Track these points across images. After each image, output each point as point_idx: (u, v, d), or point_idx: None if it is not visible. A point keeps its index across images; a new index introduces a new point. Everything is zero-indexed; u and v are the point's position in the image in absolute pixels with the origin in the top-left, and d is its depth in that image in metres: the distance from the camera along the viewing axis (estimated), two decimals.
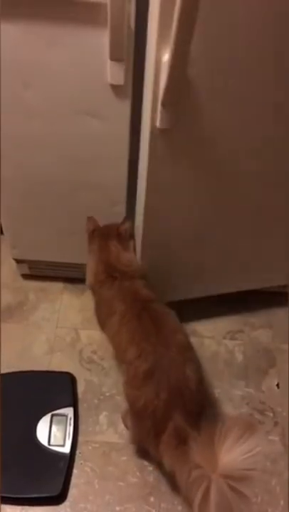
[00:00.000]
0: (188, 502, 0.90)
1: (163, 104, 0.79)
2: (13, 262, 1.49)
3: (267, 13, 0.72)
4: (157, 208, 1.04)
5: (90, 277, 1.20)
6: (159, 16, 0.69)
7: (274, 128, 0.94)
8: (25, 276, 1.55)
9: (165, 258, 1.21)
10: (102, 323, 1.18)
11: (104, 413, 1.28)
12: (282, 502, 1.15)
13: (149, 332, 1.02)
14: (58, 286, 1.54)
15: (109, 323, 1.12)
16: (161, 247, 1.16)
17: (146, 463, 1.19)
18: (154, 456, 1.02)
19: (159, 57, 0.74)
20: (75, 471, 1.18)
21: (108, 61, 0.90)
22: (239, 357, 1.41)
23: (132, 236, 1.20)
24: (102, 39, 0.86)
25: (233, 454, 0.82)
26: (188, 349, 1.05)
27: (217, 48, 0.75)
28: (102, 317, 1.17)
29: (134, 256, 1.20)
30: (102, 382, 1.33)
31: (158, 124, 0.83)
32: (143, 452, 1.20)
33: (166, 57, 0.72)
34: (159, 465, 1.17)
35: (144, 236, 1.11)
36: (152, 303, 1.09)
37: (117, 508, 1.13)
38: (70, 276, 1.51)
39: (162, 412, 0.96)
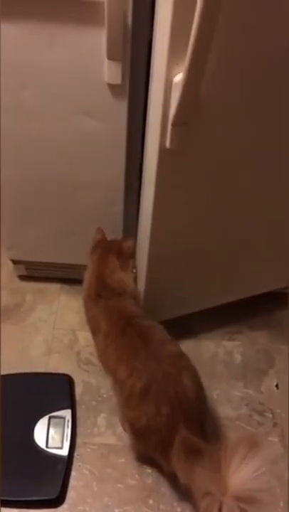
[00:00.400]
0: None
1: (173, 125, 0.76)
2: (10, 263, 1.48)
3: (283, 29, 0.71)
4: (164, 225, 1.02)
5: (84, 289, 1.19)
6: (169, 40, 0.67)
7: (287, 150, 0.93)
8: (23, 278, 1.54)
9: (171, 274, 1.19)
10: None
11: (102, 415, 1.27)
12: (281, 503, 1.15)
13: (136, 348, 1.00)
14: (56, 287, 1.54)
15: (95, 341, 1.12)
16: (167, 264, 1.15)
17: (144, 465, 1.19)
18: (166, 470, 1.01)
19: (169, 77, 0.71)
20: (73, 473, 1.17)
21: (105, 60, 0.89)
22: (238, 358, 1.41)
23: (132, 255, 1.19)
24: (99, 38, 0.86)
25: (240, 475, 0.81)
26: (181, 358, 1.03)
27: (232, 66, 0.73)
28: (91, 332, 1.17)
29: (130, 275, 1.18)
30: (100, 383, 1.32)
31: (168, 144, 0.80)
32: (143, 459, 1.19)
33: (177, 78, 0.70)
34: (158, 467, 1.17)
35: (150, 255, 1.09)
36: (137, 318, 1.07)
37: (116, 511, 1.13)
38: (67, 277, 1.50)
39: (167, 427, 0.94)
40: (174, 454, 0.94)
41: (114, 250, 1.16)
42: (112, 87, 0.94)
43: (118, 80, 0.92)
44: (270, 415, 1.29)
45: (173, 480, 1.16)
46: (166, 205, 0.97)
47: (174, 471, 0.96)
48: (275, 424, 1.27)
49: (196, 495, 0.88)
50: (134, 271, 1.22)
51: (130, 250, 1.17)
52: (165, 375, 0.97)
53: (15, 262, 1.47)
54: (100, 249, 1.18)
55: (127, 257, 1.17)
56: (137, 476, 1.18)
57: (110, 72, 0.91)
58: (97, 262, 1.16)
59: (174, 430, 0.94)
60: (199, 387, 1.01)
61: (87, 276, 1.18)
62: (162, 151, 0.83)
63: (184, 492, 1.15)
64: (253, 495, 0.80)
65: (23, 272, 1.51)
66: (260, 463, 0.81)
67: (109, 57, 0.88)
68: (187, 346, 1.37)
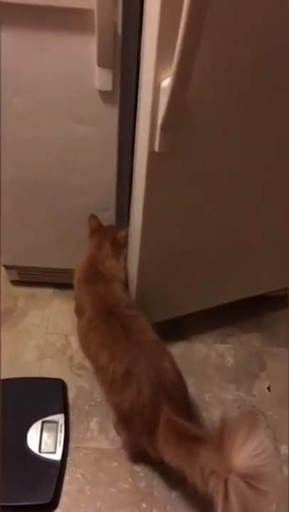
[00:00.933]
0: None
1: (162, 128, 0.77)
2: (3, 268, 1.49)
3: (270, 34, 0.72)
4: (154, 228, 1.03)
5: (76, 272, 1.22)
6: (157, 45, 0.68)
7: (274, 152, 0.94)
8: (15, 283, 1.54)
9: (162, 278, 1.20)
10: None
11: (95, 419, 1.27)
12: (274, 505, 1.15)
13: (118, 335, 1.03)
14: (48, 292, 1.54)
15: (79, 324, 1.14)
16: (158, 267, 1.16)
17: (137, 469, 1.19)
18: (153, 455, 1.00)
19: (157, 82, 0.72)
20: (66, 478, 1.18)
21: (96, 67, 0.90)
22: (230, 361, 1.42)
23: (125, 244, 1.21)
24: (89, 45, 0.87)
25: (244, 452, 0.82)
26: (160, 345, 1.06)
27: (218, 70, 0.74)
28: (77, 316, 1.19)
29: (121, 264, 1.20)
30: (93, 388, 1.32)
31: (156, 148, 0.81)
32: (135, 458, 1.20)
33: (165, 82, 0.71)
34: (152, 464, 1.17)
35: (140, 257, 1.10)
36: (121, 308, 1.10)
37: None
38: (59, 281, 1.51)
39: (150, 407, 0.96)
40: (160, 436, 0.95)
41: (109, 238, 1.19)
42: (103, 93, 0.95)
43: (109, 87, 0.93)
44: (262, 418, 1.30)
45: (166, 482, 1.17)
46: (156, 209, 0.97)
47: (161, 456, 0.96)
48: (266, 427, 1.28)
49: (195, 476, 0.87)
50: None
51: (124, 239, 1.19)
52: (145, 358, 0.99)
53: (7, 267, 1.47)
54: (97, 236, 1.20)
55: (120, 245, 1.19)
56: (130, 479, 1.18)
57: (101, 78, 0.92)
58: (92, 247, 1.20)
59: (158, 410, 0.96)
60: (178, 370, 1.04)
61: (81, 259, 1.21)
62: (151, 155, 0.84)
63: (177, 496, 1.16)
64: (258, 470, 0.81)
65: (16, 277, 1.51)
66: (261, 440, 0.82)
67: (100, 65, 0.89)
68: (179, 348, 1.39)
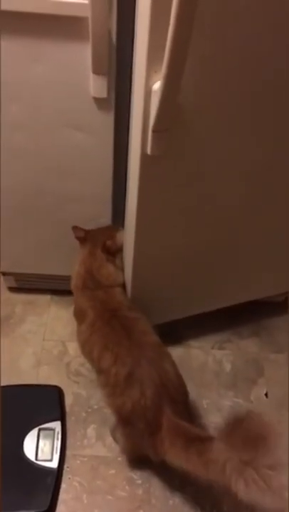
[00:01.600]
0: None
1: (154, 131, 0.78)
2: (0, 275, 1.48)
3: (261, 36, 0.72)
4: (148, 232, 1.03)
5: (72, 279, 1.22)
6: (147, 47, 0.68)
7: (268, 152, 0.95)
8: (12, 289, 1.54)
9: (157, 281, 1.21)
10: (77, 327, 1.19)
11: (92, 426, 1.27)
12: None
13: (120, 338, 1.04)
14: (45, 298, 1.54)
15: (80, 329, 1.14)
16: (152, 270, 1.16)
17: (135, 476, 1.19)
18: (154, 458, 1.00)
19: (148, 85, 0.73)
20: (63, 485, 1.17)
21: (91, 75, 0.90)
22: (227, 367, 1.41)
23: (120, 248, 1.21)
24: (84, 53, 0.87)
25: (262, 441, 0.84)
26: (161, 347, 1.07)
27: (209, 73, 0.75)
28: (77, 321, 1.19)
29: (118, 267, 1.21)
30: (90, 394, 1.32)
31: (149, 151, 0.81)
32: (133, 464, 1.19)
33: (156, 85, 0.72)
34: (150, 475, 1.16)
35: (134, 260, 1.10)
36: (123, 311, 1.11)
37: None
38: (57, 288, 1.50)
39: (152, 409, 0.96)
40: (164, 439, 0.95)
41: (100, 246, 1.18)
42: (98, 100, 0.96)
43: (104, 94, 0.94)
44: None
45: (164, 490, 1.17)
46: (149, 211, 0.98)
47: (162, 458, 0.96)
48: None
49: (214, 475, 0.86)
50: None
51: (118, 244, 1.19)
52: (148, 360, 1.00)
53: (4, 273, 1.47)
54: (88, 244, 1.20)
55: (112, 251, 1.19)
56: (127, 487, 1.17)
57: (96, 86, 0.92)
58: (85, 256, 1.20)
59: (160, 412, 0.96)
60: (179, 373, 1.05)
61: (76, 267, 1.21)
62: (144, 158, 0.84)
63: (174, 503, 1.15)
64: (275, 459, 0.83)
65: (13, 284, 1.51)
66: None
67: (95, 72, 0.90)
68: (176, 354, 1.38)
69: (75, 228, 1.21)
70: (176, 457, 0.93)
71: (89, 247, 1.20)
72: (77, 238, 1.22)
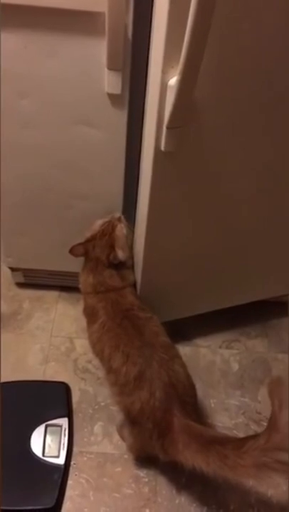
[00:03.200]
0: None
1: (168, 128, 0.78)
2: (8, 271, 1.48)
3: (277, 35, 0.72)
4: (159, 229, 1.03)
5: (80, 284, 1.21)
6: (165, 42, 0.68)
7: (274, 151, 0.94)
8: (20, 285, 1.54)
9: (166, 278, 1.20)
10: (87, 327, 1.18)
11: (99, 423, 1.26)
12: None
13: (131, 337, 1.04)
14: (53, 294, 1.54)
15: (90, 330, 1.14)
16: (162, 267, 1.16)
17: (141, 474, 1.18)
18: (164, 458, 1.00)
19: (164, 80, 0.72)
20: (69, 482, 1.17)
21: (105, 70, 0.90)
22: (235, 366, 1.41)
23: (123, 239, 1.17)
24: (99, 48, 0.87)
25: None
26: (172, 348, 1.07)
27: (225, 70, 0.74)
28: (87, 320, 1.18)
29: (127, 269, 1.19)
30: (97, 391, 1.32)
31: (162, 147, 0.81)
32: (139, 462, 1.19)
33: (172, 81, 0.71)
34: (156, 474, 1.16)
35: (144, 257, 1.10)
36: (134, 311, 1.10)
37: None
38: (65, 284, 1.50)
39: (161, 409, 0.96)
40: (177, 441, 0.94)
41: (104, 261, 1.15)
42: (111, 96, 0.95)
43: (118, 90, 0.93)
44: None
45: (170, 488, 1.16)
46: (161, 209, 0.97)
47: (172, 459, 0.95)
48: None
49: (243, 475, 0.87)
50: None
51: (118, 259, 1.15)
52: (158, 361, 1.00)
53: (13, 269, 1.47)
54: (90, 262, 1.18)
55: (118, 261, 1.16)
56: (133, 485, 1.17)
57: (110, 82, 0.92)
58: (91, 265, 1.17)
59: (169, 413, 0.96)
60: (189, 374, 1.05)
61: (84, 276, 1.19)
62: (157, 154, 0.84)
63: (180, 502, 1.15)
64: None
65: (21, 280, 1.51)
66: None
67: (110, 67, 0.89)
68: (184, 354, 1.37)
69: (73, 249, 1.18)
70: (191, 459, 0.91)
71: (93, 258, 1.17)
72: (78, 255, 1.19)
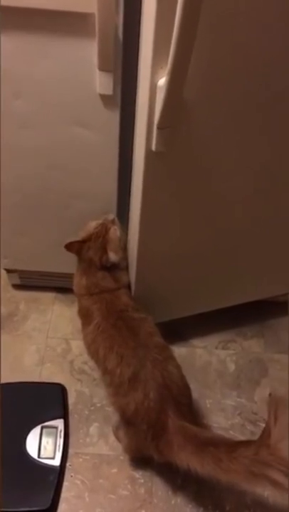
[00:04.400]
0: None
1: (159, 128, 0.78)
2: (4, 272, 1.48)
3: (266, 33, 0.72)
4: (152, 228, 1.03)
5: (74, 286, 1.21)
6: (153, 43, 0.68)
7: (270, 151, 0.94)
8: (16, 287, 1.54)
9: (160, 278, 1.20)
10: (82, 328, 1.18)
11: (95, 424, 1.26)
12: None
13: (126, 338, 1.04)
14: (49, 296, 1.54)
15: (85, 331, 1.13)
16: (156, 267, 1.16)
17: (137, 475, 1.18)
18: (158, 459, 1.00)
19: (154, 81, 0.73)
20: (65, 483, 1.17)
21: (97, 71, 0.90)
22: (231, 367, 1.41)
23: (116, 242, 1.17)
24: (90, 49, 0.87)
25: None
26: (166, 349, 1.07)
27: (213, 70, 0.74)
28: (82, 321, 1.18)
29: (120, 271, 1.18)
30: (93, 393, 1.32)
31: (153, 147, 0.81)
32: (135, 463, 1.19)
33: (161, 81, 0.72)
34: (152, 475, 1.16)
35: (138, 257, 1.10)
36: (128, 312, 1.10)
37: None
38: (61, 286, 1.50)
39: (156, 410, 0.96)
40: (172, 443, 0.94)
41: (97, 263, 1.14)
42: (103, 97, 0.95)
43: (110, 91, 0.93)
44: (263, 425, 1.28)
45: (166, 489, 1.16)
46: (154, 209, 0.97)
47: (167, 460, 0.96)
48: None
49: (239, 478, 0.86)
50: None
51: (110, 261, 1.15)
52: (152, 362, 1.00)
53: (9, 271, 1.47)
54: (84, 262, 1.17)
55: (110, 264, 1.15)
56: (129, 486, 1.17)
57: (102, 82, 0.92)
58: (84, 267, 1.17)
59: (164, 414, 0.96)
60: (183, 375, 1.05)
61: (77, 278, 1.19)
62: (149, 154, 0.84)
63: (176, 503, 1.14)
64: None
65: (17, 281, 1.51)
66: None
67: (101, 68, 0.89)
68: (180, 354, 1.38)
69: (69, 244, 1.16)
70: (186, 461, 0.92)
71: (87, 259, 1.16)
72: (72, 252, 1.17)
